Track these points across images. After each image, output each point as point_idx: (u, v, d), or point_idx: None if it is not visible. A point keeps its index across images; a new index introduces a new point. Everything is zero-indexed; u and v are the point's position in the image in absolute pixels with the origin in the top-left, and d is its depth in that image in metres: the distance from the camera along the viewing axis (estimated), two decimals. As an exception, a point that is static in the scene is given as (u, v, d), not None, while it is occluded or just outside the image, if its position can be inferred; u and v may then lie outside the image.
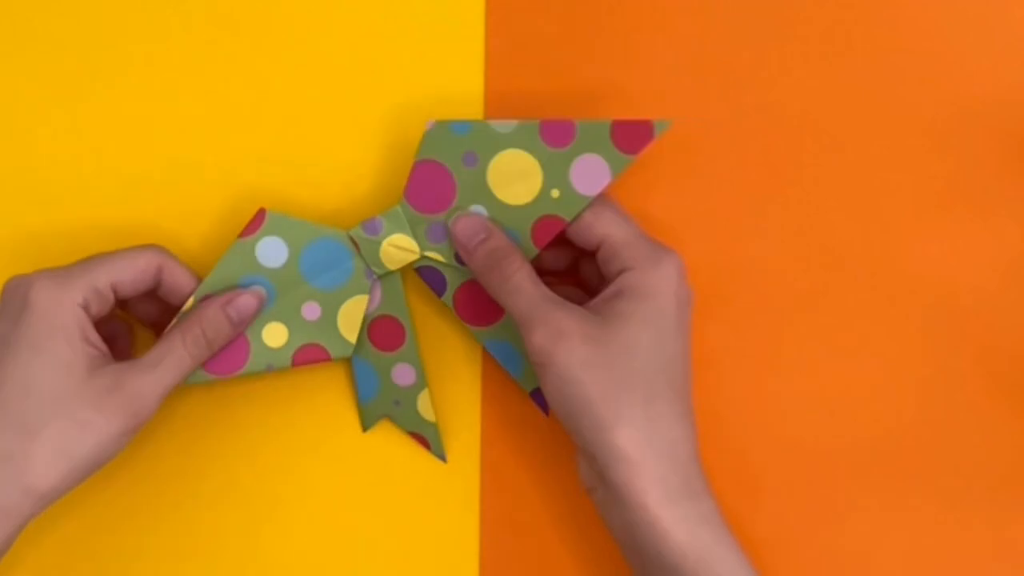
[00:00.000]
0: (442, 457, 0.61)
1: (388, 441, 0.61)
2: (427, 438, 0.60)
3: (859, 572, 0.60)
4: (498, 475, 0.61)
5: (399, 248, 0.58)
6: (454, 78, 0.60)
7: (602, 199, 0.57)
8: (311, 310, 0.59)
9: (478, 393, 0.61)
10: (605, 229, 0.56)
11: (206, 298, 0.57)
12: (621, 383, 0.53)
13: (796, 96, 0.60)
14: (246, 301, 0.57)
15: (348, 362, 0.60)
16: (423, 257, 0.59)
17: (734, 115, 0.60)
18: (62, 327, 0.54)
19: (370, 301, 0.59)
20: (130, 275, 0.56)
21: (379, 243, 0.58)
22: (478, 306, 0.59)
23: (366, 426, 0.61)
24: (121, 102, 0.61)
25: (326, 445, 0.61)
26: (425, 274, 0.59)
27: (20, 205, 0.60)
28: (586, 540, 0.60)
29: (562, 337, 0.53)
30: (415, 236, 0.58)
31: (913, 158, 0.60)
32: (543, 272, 0.58)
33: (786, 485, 0.60)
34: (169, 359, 0.55)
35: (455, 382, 0.61)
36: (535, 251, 0.57)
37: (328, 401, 0.61)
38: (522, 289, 0.55)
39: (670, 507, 0.52)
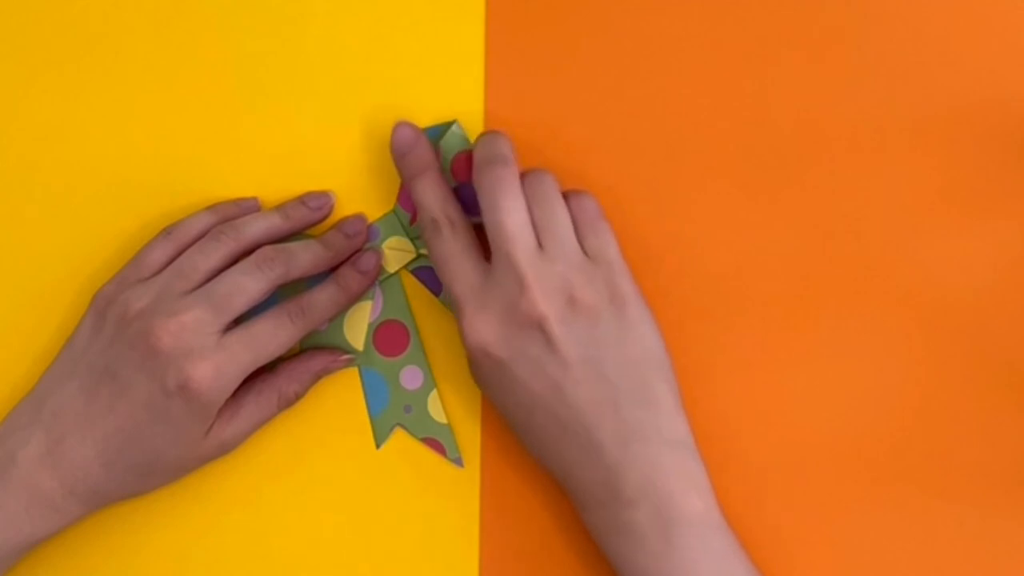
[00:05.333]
0: (458, 462, 0.61)
1: (388, 443, 0.61)
2: (442, 443, 0.61)
3: (858, 571, 0.59)
4: (498, 475, 0.60)
5: (396, 250, 0.61)
6: (454, 83, 0.62)
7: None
8: (318, 321, 0.60)
9: (478, 394, 0.61)
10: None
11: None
12: None
13: (793, 99, 0.61)
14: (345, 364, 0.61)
15: (354, 372, 0.61)
16: (419, 256, 0.61)
17: (733, 116, 0.61)
18: (210, 407, 0.55)
19: (373, 308, 0.61)
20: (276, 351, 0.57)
21: (378, 248, 0.61)
22: None
23: (379, 442, 0.61)
24: (120, 103, 0.61)
25: (325, 448, 0.61)
26: (421, 275, 0.61)
27: (22, 205, 0.61)
28: (586, 541, 0.59)
29: None
30: (410, 237, 0.61)
31: (912, 158, 0.60)
32: None
33: (784, 485, 0.59)
34: (257, 412, 0.58)
35: (455, 384, 0.61)
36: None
37: (329, 408, 0.61)
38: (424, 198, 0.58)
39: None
